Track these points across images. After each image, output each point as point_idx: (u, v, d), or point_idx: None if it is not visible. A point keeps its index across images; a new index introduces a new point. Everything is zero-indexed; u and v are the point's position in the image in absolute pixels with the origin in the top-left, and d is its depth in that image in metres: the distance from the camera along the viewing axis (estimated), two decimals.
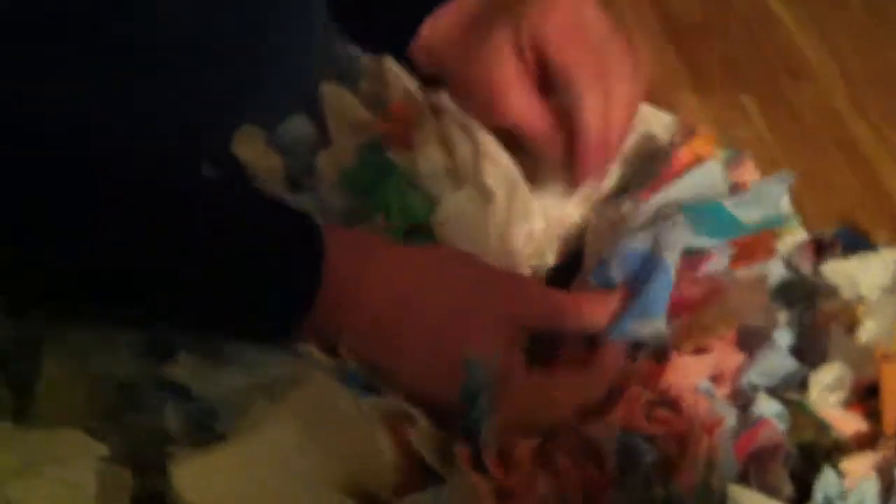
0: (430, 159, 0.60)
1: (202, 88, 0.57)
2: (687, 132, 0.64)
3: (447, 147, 0.60)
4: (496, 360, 0.50)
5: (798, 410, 0.54)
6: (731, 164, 0.63)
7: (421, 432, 0.49)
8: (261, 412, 0.49)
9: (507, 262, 0.57)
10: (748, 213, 0.58)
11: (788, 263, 0.62)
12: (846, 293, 0.61)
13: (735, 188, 0.62)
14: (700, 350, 0.54)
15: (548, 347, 0.54)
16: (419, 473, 0.49)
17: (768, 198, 0.59)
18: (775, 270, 0.60)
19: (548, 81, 0.59)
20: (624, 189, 0.62)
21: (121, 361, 0.52)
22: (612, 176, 0.63)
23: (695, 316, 0.55)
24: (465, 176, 0.59)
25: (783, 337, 0.57)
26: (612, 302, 0.54)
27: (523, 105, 0.58)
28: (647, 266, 0.54)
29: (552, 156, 0.59)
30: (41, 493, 0.45)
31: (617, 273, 0.55)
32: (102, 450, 0.47)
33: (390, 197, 0.59)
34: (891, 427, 0.55)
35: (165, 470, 0.46)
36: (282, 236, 0.52)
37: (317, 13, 0.64)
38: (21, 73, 0.50)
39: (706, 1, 1.04)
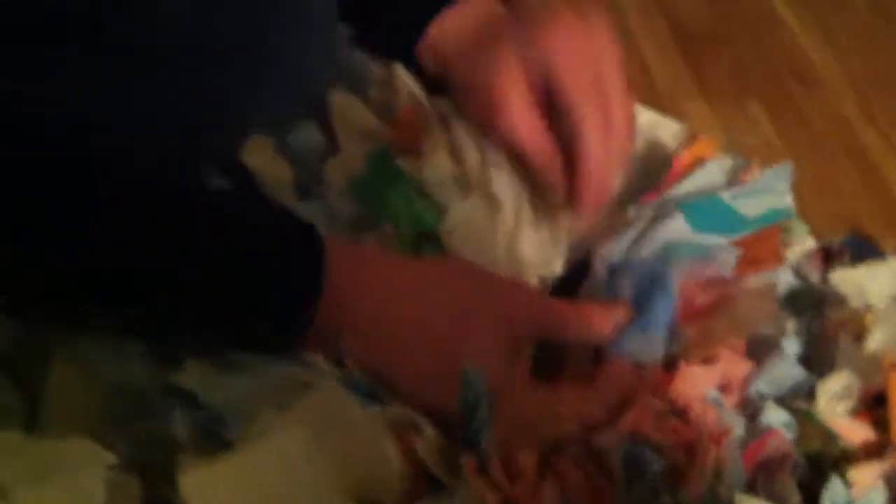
0: (438, 167, 0.60)
1: (202, 88, 0.57)
2: (689, 136, 0.64)
3: (455, 155, 0.60)
4: (496, 369, 0.50)
5: (806, 420, 0.54)
6: (740, 172, 0.63)
7: (427, 441, 0.49)
8: (268, 420, 0.49)
9: (514, 270, 0.57)
10: (751, 205, 0.58)
11: (797, 272, 0.62)
12: (854, 302, 0.60)
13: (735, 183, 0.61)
14: (708, 360, 0.54)
15: (553, 362, 0.54)
16: (425, 482, 0.49)
17: (772, 188, 0.58)
18: (784, 279, 0.60)
19: (551, 104, 0.58)
20: (630, 195, 0.62)
21: (129, 369, 0.52)
22: (619, 182, 0.63)
23: (704, 324, 0.55)
24: (473, 184, 0.59)
25: (791, 345, 0.57)
26: (617, 314, 0.54)
27: (523, 121, 0.58)
28: (652, 284, 0.54)
29: (549, 178, 0.59)
30: (51, 501, 0.45)
31: (623, 286, 0.55)
32: (111, 458, 0.47)
33: (399, 205, 0.59)
34: None
35: (173, 478, 0.46)
36: (282, 236, 0.52)
37: (318, 14, 0.64)
38: (21, 73, 0.50)
39: (714, 9, 1.04)
